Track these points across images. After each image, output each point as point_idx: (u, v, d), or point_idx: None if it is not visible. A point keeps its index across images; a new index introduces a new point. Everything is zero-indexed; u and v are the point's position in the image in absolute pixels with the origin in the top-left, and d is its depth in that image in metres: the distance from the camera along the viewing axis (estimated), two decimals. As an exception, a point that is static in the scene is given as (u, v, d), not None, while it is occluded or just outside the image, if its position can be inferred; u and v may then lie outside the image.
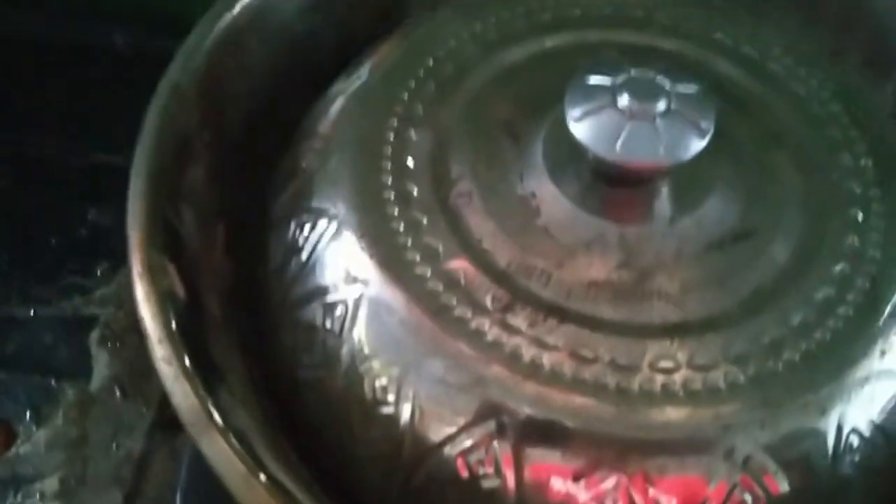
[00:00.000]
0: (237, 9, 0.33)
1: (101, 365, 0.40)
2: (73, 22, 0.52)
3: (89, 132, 0.48)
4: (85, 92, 0.49)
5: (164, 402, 0.39)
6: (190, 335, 0.28)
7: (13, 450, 0.38)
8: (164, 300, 0.27)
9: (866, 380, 0.27)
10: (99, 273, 0.43)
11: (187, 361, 0.26)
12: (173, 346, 0.26)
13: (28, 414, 0.39)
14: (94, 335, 0.41)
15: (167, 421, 0.39)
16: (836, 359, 0.27)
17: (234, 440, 0.25)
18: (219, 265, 0.32)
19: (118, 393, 0.39)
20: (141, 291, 0.27)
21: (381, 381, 0.27)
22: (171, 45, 0.51)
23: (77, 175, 0.46)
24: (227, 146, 0.33)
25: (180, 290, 0.29)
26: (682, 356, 0.26)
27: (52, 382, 0.40)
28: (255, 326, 0.33)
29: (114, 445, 0.38)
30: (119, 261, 0.43)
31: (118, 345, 0.41)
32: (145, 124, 0.30)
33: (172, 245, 0.29)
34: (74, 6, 0.53)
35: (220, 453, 0.25)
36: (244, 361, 0.31)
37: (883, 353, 0.28)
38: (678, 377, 0.26)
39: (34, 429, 0.39)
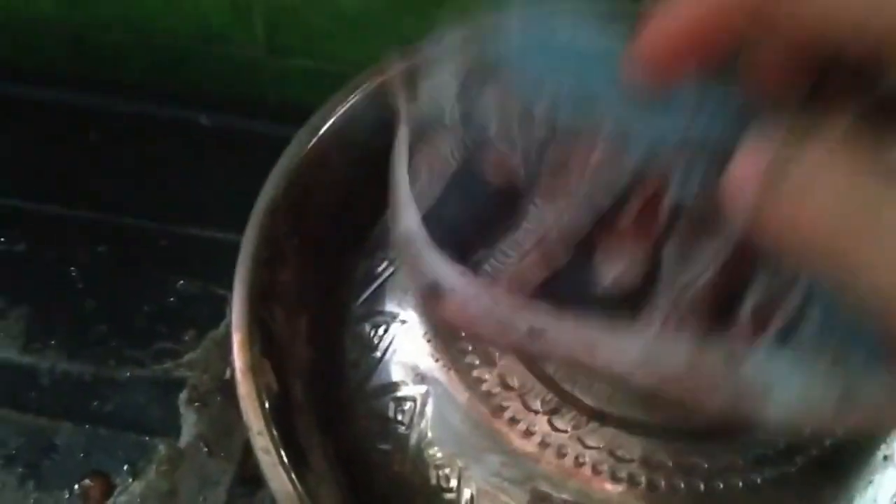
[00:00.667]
0: (323, 130, 0.38)
1: (189, 424, 0.45)
2: (164, 103, 0.57)
3: (177, 206, 0.53)
4: (173, 168, 0.55)
5: (244, 459, 0.44)
6: (281, 421, 0.33)
7: (111, 500, 0.43)
8: (261, 395, 0.32)
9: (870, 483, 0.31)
10: (187, 338, 0.48)
11: (282, 451, 0.31)
12: (271, 437, 0.31)
13: (125, 468, 0.44)
14: (183, 396, 0.46)
15: (248, 477, 0.44)
16: (844, 464, 0.31)
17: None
18: (301, 353, 0.37)
19: (204, 449, 0.44)
20: (243, 389, 0.32)
21: (445, 471, 0.32)
22: (249, 124, 0.57)
23: (167, 247, 0.51)
24: (311, 248, 0.38)
25: (273, 383, 0.33)
26: (702, 459, 0.31)
27: (146, 439, 0.45)
28: (332, 410, 0.38)
29: (200, 498, 0.43)
30: (204, 327, 0.48)
31: (204, 405, 0.46)
32: (245, 236, 0.35)
33: (267, 342, 0.34)
34: (166, 89, 0.59)
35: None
36: (323, 440, 0.36)
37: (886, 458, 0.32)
38: (700, 477, 0.31)
39: (130, 481, 0.44)
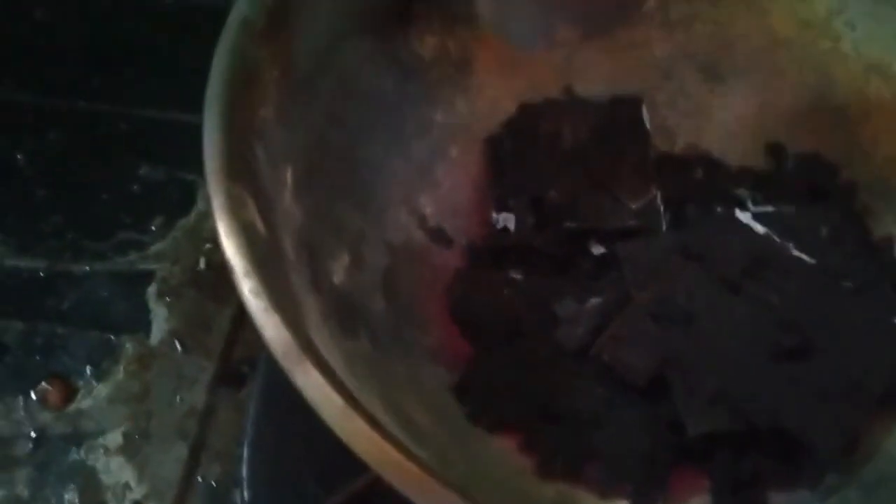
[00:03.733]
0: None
1: (160, 319, 0.39)
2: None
3: (138, 88, 0.47)
4: (133, 49, 0.48)
5: (225, 355, 0.39)
6: (270, 267, 0.27)
7: (74, 405, 0.38)
8: (247, 233, 0.26)
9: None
10: (153, 228, 0.42)
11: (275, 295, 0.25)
12: (261, 278, 0.25)
13: (88, 369, 0.38)
14: (152, 290, 0.40)
15: (229, 374, 0.38)
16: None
17: (328, 372, 0.24)
18: (289, 207, 0.32)
19: (178, 347, 0.39)
20: (223, 224, 0.26)
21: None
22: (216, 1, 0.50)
23: (128, 132, 0.45)
24: (294, 85, 0.32)
25: (260, 226, 0.28)
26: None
27: (111, 337, 0.39)
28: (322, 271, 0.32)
29: (177, 399, 0.37)
30: (172, 216, 0.43)
31: (176, 299, 0.40)
32: (216, 58, 0.29)
33: (249, 179, 0.28)
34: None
35: (316, 386, 0.24)
36: (316, 300, 0.31)
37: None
38: None
39: (95, 384, 0.38)
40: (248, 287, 0.25)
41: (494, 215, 0.38)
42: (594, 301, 0.35)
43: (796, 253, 0.36)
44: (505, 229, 0.39)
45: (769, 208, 0.38)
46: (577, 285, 0.36)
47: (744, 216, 0.38)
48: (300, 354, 0.24)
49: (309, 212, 0.32)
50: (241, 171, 0.28)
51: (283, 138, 0.32)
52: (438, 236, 0.39)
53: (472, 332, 0.35)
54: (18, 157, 0.44)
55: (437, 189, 0.39)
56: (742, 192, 0.39)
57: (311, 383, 0.24)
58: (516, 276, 0.37)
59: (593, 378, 0.33)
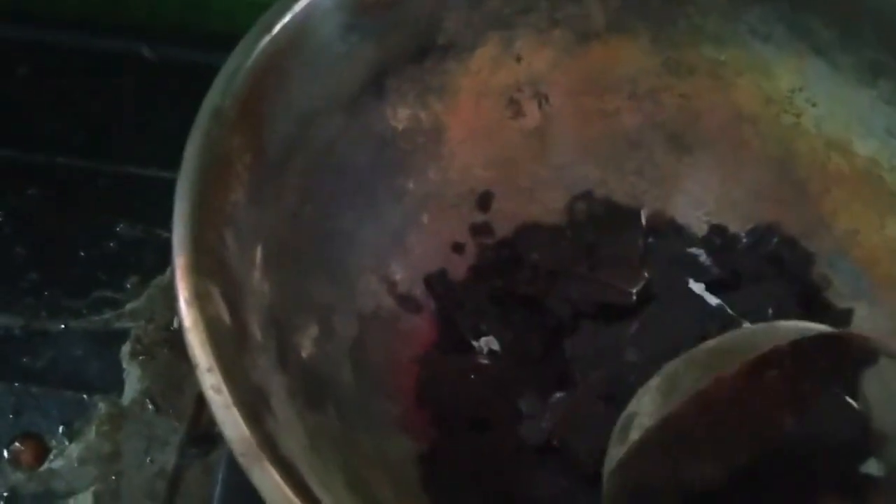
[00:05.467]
0: (277, 30, 0.33)
1: (133, 379, 0.40)
2: (100, 34, 0.51)
3: (116, 144, 0.47)
4: (111, 104, 0.49)
5: (196, 416, 0.39)
6: (234, 360, 0.28)
7: (46, 465, 0.38)
8: (211, 327, 0.27)
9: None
10: (129, 286, 0.43)
11: (237, 390, 0.26)
12: (223, 373, 0.26)
13: (60, 429, 0.39)
14: (125, 349, 0.41)
15: (200, 436, 0.39)
16: None
17: (284, 470, 0.25)
18: (258, 286, 0.32)
19: (150, 407, 0.39)
20: (189, 319, 0.27)
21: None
22: (195, 55, 0.51)
23: (105, 188, 0.46)
24: (265, 167, 0.33)
25: (225, 316, 0.29)
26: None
27: (84, 397, 0.40)
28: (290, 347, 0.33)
29: (147, 460, 0.38)
30: (148, 274, 0.43)
31: (149, 358, 0.41)
32: (188, 147, 0.30)
33: (217, 269, 0.29)
34: (100, 19, 0.53)
35: (273, 485, 0.25)
36: (283, 378, 0.31)
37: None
38: None
39: (66, 443, 0.39)
40: (209, 383, 0.26)
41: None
42: (558, 395, 0.36)
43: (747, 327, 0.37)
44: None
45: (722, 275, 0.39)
46: (544, 375, 0.37)
47: (697, 287, 0.39)
48: (258, 453, 0.25)
49: (278, 288, 0.33)
50: (209, 264, 0.28)
51: (253, 219, 0.32)
52: (408, 302, 0.39)
53: (437, 417, 0.36)
54: (-2, 213, 0.45)
55: (408, 255, 0.40)
56: (703, 259, 0.40)
57: (267, 483, 0.25)
58: (483, 360, 0.38)
59: (557, 470, 0.34)
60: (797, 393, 0.31)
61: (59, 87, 0.50)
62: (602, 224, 0.41)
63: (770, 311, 0.37)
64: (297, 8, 0.33)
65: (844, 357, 0.32)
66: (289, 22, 0.33)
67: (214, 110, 0.31)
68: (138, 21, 0.54)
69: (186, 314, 0.27)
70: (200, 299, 0.27)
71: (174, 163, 0.37)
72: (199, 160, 0.30)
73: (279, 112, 0.34)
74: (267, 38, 0.32)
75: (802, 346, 0.30)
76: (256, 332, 0.31)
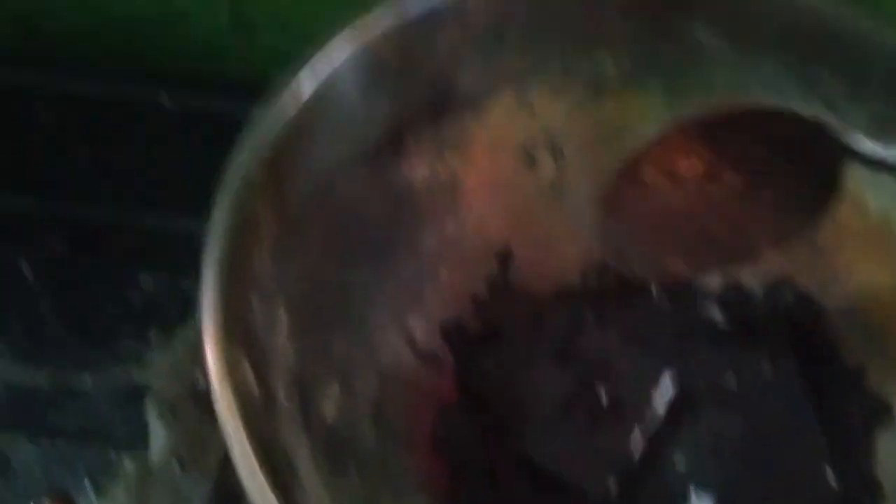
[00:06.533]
0: (301, 95, 0.34)
1: (158, 436, 0.40)
2: (120, 83, 0.53)
3: (137, 194, 0.48)
4: (132, 153, 0.50)
5: (222, 474, 0.40)
6: (261, 428, 0.29)
7: (74, 522, 0.39)
8: (239, 397, 0.28)
9: None
10: (153, 339, 0.43)
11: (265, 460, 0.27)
12: (250, 440, 0.27)
13: (88, 485, 0.40)
14: (151, 405, 0.41)
15: (226, 493, 0.39)
16: None
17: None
18: (282, 346, 0.33)
19: (176, 464, 0.40)
20: (218, 389, 0.28)
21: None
22: (214, 104, 0.52)
23: (128, 239, 0.47)
24: (288, 226, 0.34)
25: (252, 383, 0.29)
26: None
27: (111, 453, 0.40)
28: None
29: (174, 516, 0.39)
30: (171, 325, 0.44)
31: (174, 415, 0.41)
32: (214, 213, 0.31)
33: (244, 336, 0.30)
34: (120, 65, 0.54)
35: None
36: (307, 440, 0.32)
37: None
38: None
39: (94, 500, 0.39)
40: (237, 450, 0.27)
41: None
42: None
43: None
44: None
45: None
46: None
47: None
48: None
49: (301, 347, 0.34)
50: (236, 332, 0.29)
51: (277, 279, 0.33)
52: (427, 357, 0.40)
53: (455, 472, 0.36)
54: (23, 265, 0.45)
55: (427, 308, 0.41)
56: (715, 313, 0.40)
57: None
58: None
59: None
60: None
61: (81, 135, 0.51)
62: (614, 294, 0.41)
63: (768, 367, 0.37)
64: (321, 73, 0.34)
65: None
66: (312, 86, 0.34)
67: (240, 176, 0.31)
68: (158, 69, 0.56)
69: (217, 385, 0.28)
70: (229, 369, 0.28)
71: (195, 212, 0.38)
72: (225, 225, 0.31)
73: (302, 172, 0.34)
74: (291, 103, 0.33)
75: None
76: (281, 395, 0.32)
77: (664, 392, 0.37)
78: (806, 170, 0.36)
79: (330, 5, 0.51)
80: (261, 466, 0.26)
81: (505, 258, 0.42)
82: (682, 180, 0.38)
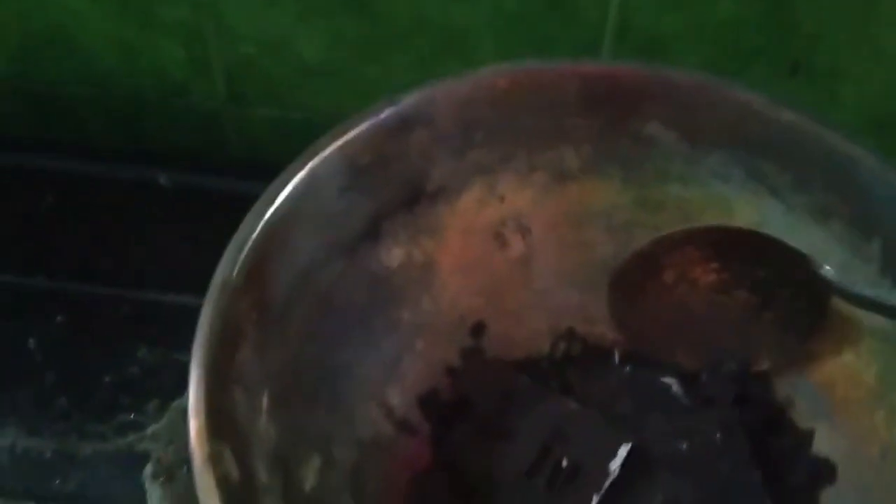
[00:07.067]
0: (279, 201, 0.37)
1: (155, 500, 0.44)
2: (119, 163, 0.56)
3: (136, 271, 0.52)
4: (130, 231, 0.53)
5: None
6: (244, 510, 0.32)
7: (77, 585, 0.42)
8: (221, 486, 0.31)
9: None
10: (150, 409, 0.47)
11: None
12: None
13: (91, 548, 0.43)
14: (148, 470, 0.44)
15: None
16: None
17: None
18: (264, 430, 0.36)
19: (172, 527, 0.43)
20: (202, 481, 0.31)
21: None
22: (210, 182, 0.56)
23: (128, 315, 0.50)
24: (270, 320, 0.37)
25: (234, 472, 0.32)
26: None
27: (111, 519, 0.43)
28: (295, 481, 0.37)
29: (171, 579, 0.42)
30: (168, 397, 0.47)
31: (170, 479, 0.44)
32: (200, 317, 0.34)
33: (227, 427, 0.33)
34: (119, 145, 0.58)
35: None
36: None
37: None
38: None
39: (97, 562, 0.42)
40: (219, 534, 0.30)
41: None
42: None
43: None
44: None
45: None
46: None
47: None
48: None
49: (282, 428, 0.37)
50: (220, 425, 0.32)
51: (259, 370, 0.36)
52: (404, 426, 0.43)
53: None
54: (30, 341, 0.49)
55: (404, 380, 0.43)
56: (675, 389, 0.43)
57: None
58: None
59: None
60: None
61: (82, 215, 0.54)
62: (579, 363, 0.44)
63: (718, 435, 0.40)
64: (297, 179, 0.37)
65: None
66: (290, 193, 0.37)
67: (223, 283, 0.34)
68: (157, 145, 0.59)
69: (201, 477, 0.31)
70: (214, 460, 0.31)
71: (191, 288, 0.41)
72: (209, 328, 0.34)
73: (282, 270, 0.37)
74: (271, 210, 0.36)
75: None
76: (263, 475, 0.35)
77: (621, 459, 0.40)
78: (800, 297, 0.41)
79: (320, 78, 0.55)
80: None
81: (478, 330, 0.45)
82: (697, 287, 0.43)
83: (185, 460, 0.45)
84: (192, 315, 0.34)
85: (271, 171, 0.38)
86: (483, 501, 0.41)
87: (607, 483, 0.39)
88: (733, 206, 0.43)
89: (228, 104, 0.58)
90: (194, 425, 0.32)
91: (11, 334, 0.49)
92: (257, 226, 0.36)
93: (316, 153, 0.38)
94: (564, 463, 0.40)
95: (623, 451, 0.40)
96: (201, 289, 0.35)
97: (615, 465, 0.39)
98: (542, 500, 0.40)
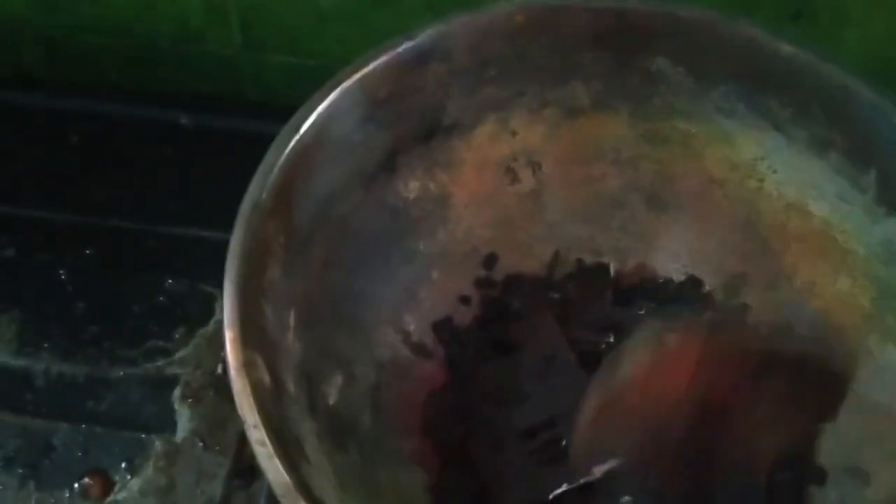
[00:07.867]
0: (303, 129, 0.39)
1: (184, 419, 0.46)
2: (142, 105, 0.58)
3: (160, 207, 0.54)
4: (154, 170, 0.55)
5: (239, 451, 0.45)
6: (275, 415, 0.34)
7: (111, 497, 0.44)
8: (256, 390, 0.33)
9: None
10: (177, 336, 0.49)
11: (277, 443, 0.32)
12: (266, 428, 0.32)
13: (123, 465, 0.45)
14: (176, 393, 0.47)
15: (243, 468, 0.45)
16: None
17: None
18: (291, 345, 0.38)
19: (199, 444, 0.45)
20: (238, 385, 0.33)
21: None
22: (229, 122, 0.57)
23: (154, 248, 0.52)
24: (295, 243, 0.39)
25: (266, 378, 0.34)
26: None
27: (142, 436, 0.46)
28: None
29: (198, 491, 0.44)
30: (194, 325, 0.49)
31: (197, 401, 0.47)
32: (233, 237, 0.36)
33: (258, 339, 0.35)
34: (141, 89, 0.60)
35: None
36: (313, 424, 0.37)
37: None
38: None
39: (128, 478, 0.45)
40: (255, 437, 0.32)
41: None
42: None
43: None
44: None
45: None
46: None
47: None
48: (296, 494, 0.31)
49: (307, 345, 0.39)
50: (252, 336, 0.34)
51: (286, 289, 0.38)
52: (420, 349, 0.45)
53: (443, 449, 0.42)
54: (61, 272, 0.51)
55: (420, 307, 0.46)
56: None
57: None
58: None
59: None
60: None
61: (107, 154, 0.56)
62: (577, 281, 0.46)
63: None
64: (321, 109, 0.39)
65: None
66: (314, 122, 0.39)
67: (253, 203, 0.36)
68: (176, 88, 0.61)
69: (236, 380, 0.33)
70: (247, 367, 0.33)
71: (215, 223, 0.43)
72: (241, 247, 0.36)
73: (306, 196, 0.39)
74: (296, 137, 0.38)
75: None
76: (291, 386, 0.37)
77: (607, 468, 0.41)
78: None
79: (333, 24, 0.56)
80: (273, 445, 0.31)
81: (490, 261, 0.47)
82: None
83: (212, 384, 0.47)
84: (216, 247, 0.36)
85: (288, 115, 0.39)
86: (485, 421, 0.43)
87: (583, 480, 0.40)
88: (736, 140, 0.45)
89: (244, 51, 0.59)
90: (229, 335, 0.34)
91: (45, 266, 0.51)
92: (284, 151, 0.38)
93: (337, 84, 0.39)
94: (564, 443, 0.42)
95: (612, 462, 0.41)
96: (223, 222, 0.37)
97: (599, 471, 0.40)
98: (524, 463, 0.42)
